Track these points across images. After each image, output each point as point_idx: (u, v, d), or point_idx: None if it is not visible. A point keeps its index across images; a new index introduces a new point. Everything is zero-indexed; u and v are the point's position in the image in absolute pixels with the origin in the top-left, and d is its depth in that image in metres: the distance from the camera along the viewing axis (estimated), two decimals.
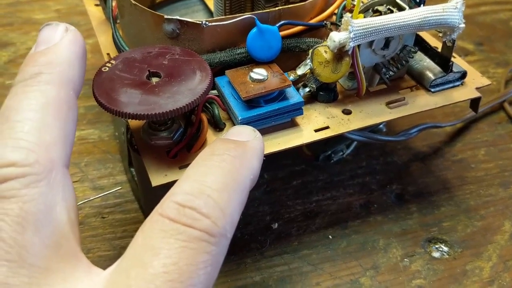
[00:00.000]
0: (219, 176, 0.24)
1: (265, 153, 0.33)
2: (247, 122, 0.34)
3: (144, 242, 0.22)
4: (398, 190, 0.44)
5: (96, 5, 0.47)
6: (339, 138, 0.44)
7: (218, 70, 0.36)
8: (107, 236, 0.40)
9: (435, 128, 0.48)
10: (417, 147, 0.49)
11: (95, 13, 0.46)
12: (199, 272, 0.21)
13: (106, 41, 0.42)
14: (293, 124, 0.35)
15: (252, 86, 0.34)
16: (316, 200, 0.43)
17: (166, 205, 0.23)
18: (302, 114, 0.35)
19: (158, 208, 0.24)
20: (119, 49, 0.39)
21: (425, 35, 0.42)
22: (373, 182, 0.45)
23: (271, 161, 0.45)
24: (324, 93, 0.37)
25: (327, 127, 0.35)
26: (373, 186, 0.45)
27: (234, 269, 0.38)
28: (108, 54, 0.41)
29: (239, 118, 0.33)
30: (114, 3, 0.41)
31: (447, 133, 0.50)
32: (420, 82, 0.39)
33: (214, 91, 0.36)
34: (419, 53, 0.40)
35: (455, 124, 0.50)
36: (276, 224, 0.41)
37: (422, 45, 0.40)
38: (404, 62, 0.37)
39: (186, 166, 0.32)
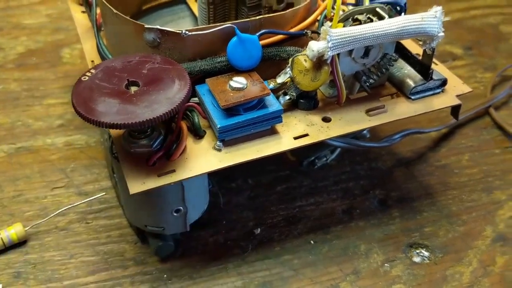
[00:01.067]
0: None
1: (244, 160, 0.34)
2: (226, 130, 0.34)
3: None
4: (381, 196, 0.45)
5: (83, 12, 0.47)
6: (323, 144, 0.44)
7: (199, 78, 0.36)
8: (91, 242, 0.40)
9: (419, 133, 0.49)
10: (401, 152, 0.49)
11: (81, 20, 0.47)
12: None
13: (92, 48, 0.43)
14: (272, 132, 0.36)
15: (232, 94, 0.34)
16: (299, 205, 0.44)
17: None
18: (281, 122, 0.35)
19: None
20: (102, 57, 0.40)
21: (407, 42, 0.42)
22: (356, 188, 0.45)
23: (255, 167, 0.46)
24: (304, 101, 0.37)
25: (306, 135, 0.36)
26: (357, 191, 0.45)
27: (215, 274, 0.38)
28: (92, 61, 0.41)
29: (218, 126, 0.34)
30: (98, 11, 0.41)
31: (432, 139, 0.51)
32: (401, 89, 0.39)
33: (195, 99, 0.36)
34: (400, 60, 0.40)
35: (439, 130, 0.50)
36: (259, 230, 0.42)
37: (403, 52, 0.40)
38: (384, 70, 0.38)
39: (165, 173, 0.33)
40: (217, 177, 0.42)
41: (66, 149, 0.48)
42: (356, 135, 0.44)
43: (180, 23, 0.48)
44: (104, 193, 0.43)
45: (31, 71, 0.57)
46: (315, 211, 0.43)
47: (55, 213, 0.41)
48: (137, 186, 0.32)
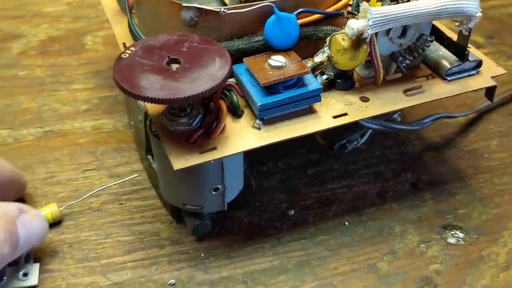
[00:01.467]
0: None
1: (284, 138, 0.34)
2: (266, 108, 0.34)
3: None
4: (413, 179, 0.45)
5: None
6: (354, 127, 0.44)
7: (236, 58, 0.36)
8: (125, 222, 0.40)
9: (449, 118, 0.48)
10: (430, 137, 0.49)
11: (109, 4, 0.46)
12: None
13: (122, 31, 0.43)
14: (311, 111, 0.36)
15: (271, 72, 0.34)
16: (331, 188, 0.44)
17: None
18: (320, 101, 0.35)
19: None
20: (135, 38, 0.40)
21: (440, 27, 0.42)
22: (387, 171, 0.45)
23: (285, 150, 0.46)
24: (341, 81, 0.37)
25: (345, 114, 0.36)
26: (388, 175, 0.45)
27: (252, 253, 0.38)
28: (124, 43, 0.41)
29: (258, 104, 0.34)
30: None
31: (460, 124, 0.50)
32: (436, 71, 0.39)
33: (232, 79, 0.36)
34: (434, 42, 0.40)
35: (467, 115, 0.50)
36: (292, 211, 0.42)
37: (438, 34, 0.40)
38: (420, 51, 0.38)
39: (207, 151, 0.33)
40: (247, 161, 0.42)
41: (94, 133, 0.48)
42: (387, 119, 0.44)
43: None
44: (136, 175, 0.43)
45: (54, 58, 0.56)
46: (348, 193, 0.43)
47: (88, 195, 0.41)
48: (180, 162, 0.32)
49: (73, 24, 0.61)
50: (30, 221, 0.35)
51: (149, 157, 0.41)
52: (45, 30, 0.60)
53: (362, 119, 0.36)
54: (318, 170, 0.45)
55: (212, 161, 0.33)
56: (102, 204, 0.41)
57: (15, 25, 0.61)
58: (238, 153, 0.33)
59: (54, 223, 0.39)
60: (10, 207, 0.34)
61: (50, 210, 0.39)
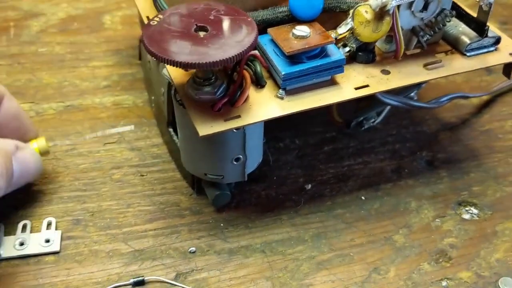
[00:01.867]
0: None
1: (307, 108, 0.35)
2: (289, 77, 0.35)
3: None
4: (428, 157, 0.45)
5: None
6: (372, 105, 0.45)
7: (260, 29, 0.36)
8: (146, 193, 0.41)
9: (465, 98, 0.49)
10: (445, 117, 0.49)
11: None
12: None
13: (146, 4, 0.43)
14: (333, 83, 0.36)
15: (295, 42, 0.35)
16: (347, 164, 0.44)
17: None
18: (343, 72, 0.36)
19: None
20: (158, 10, 0.40)
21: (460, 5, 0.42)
22: (403, 149, 0.46)
23: (301, 129, 0.47)
24: (363, 54, 0.38)
25: (367, 86, 0.36)
26: (404, 152, 0.45)
27: (270, 224, 0.39)
28: (147, 17, 0.42)
29: (282, 73, 0.34)
30: None
31: (475, 106, 0.51)
32: (456, 46, 0.40)
33: (255, 51, 0.37)
34: (454, 19, 0.40)
35: (482, 96, 0.51)
36: (310, 185, 0.42)
37: (457, 11, 0.40)
38: (441, 26, 0.38)
39: (231, 119, 0.33)
40: (264, 137, 0.43)
41: (114, 108, 0.48)
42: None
43: None
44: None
45: (74, 36, 0.57)
46: (364, 170, 0.44)
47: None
48: (205, 129, 0.32)
49: (91, 4, 0.62)
50: (25, 158, 0.37)
51: (170, 129, 0.42)
52: (64, 9, 0.61)
53: (382, 93, 0.37)
54: (334, 147, 0.46)
55: (235, 130, 0.34)
56: (123, 175, 0.42)
57: (34, 4, 0.61)
58: (261, 121, 0.34)
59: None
60: (7, 143, 0.36)
61: (37, 144, 0.40)
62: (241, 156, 0.37)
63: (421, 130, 0.48)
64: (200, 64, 0.30)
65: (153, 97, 0.46)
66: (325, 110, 0.43)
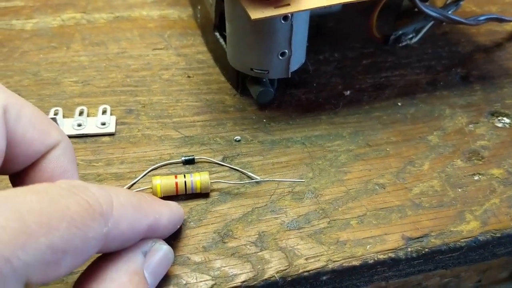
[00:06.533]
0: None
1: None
2: None
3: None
4: (463, 73, 0.47)
5: None
6: (411, 20, 0.46)
7: None
8: (193, 91, 0.43)
9: (501, 21, 0.50)
10: (480, 40, 0.51)
11: None
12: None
13: None
14: None
15: None
16: (385, 76, 0.46)
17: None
18: None
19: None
20: None
21: None
22: (439, 65, 0.47)
23: (340, 43, 0.48)
24: None
25: None
26: (439, 68, 0.47)
27: (310, 123, 0.41)
28: None
29: None
30: None
31: (509, 32, 0.52)
32: None
33: None
34: None
35: None
36: (348, 92, 0.44)
37: None
38: None
39: (281, 6, 0.35)
40: (307, 41, 0.45)
41: (161, 20, 0.51)
42: None
43: None
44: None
45: None
46: (401, 81, 0.46)
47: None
48: (257, 13, 0.34)
49: None
50: (157, 265, 0.29)
51: (216, 33, 0.44)
52: None
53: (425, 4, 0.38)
54: (373, 61, 0.47)
55: (282, 21, 0.36)
56: (171, 76, 0.45)
57: None
58: (310, 9, 0.36)
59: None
60: (136, 256, 0.28)
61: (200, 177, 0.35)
62: (286, 51, 0.39)
63: (456, 50, 0.49)
64: None
65: (199, 7, 0.48)
66: (364, 28, 0.45)
